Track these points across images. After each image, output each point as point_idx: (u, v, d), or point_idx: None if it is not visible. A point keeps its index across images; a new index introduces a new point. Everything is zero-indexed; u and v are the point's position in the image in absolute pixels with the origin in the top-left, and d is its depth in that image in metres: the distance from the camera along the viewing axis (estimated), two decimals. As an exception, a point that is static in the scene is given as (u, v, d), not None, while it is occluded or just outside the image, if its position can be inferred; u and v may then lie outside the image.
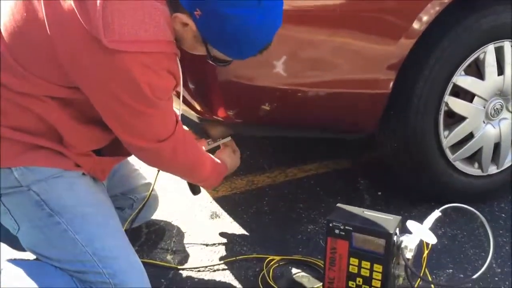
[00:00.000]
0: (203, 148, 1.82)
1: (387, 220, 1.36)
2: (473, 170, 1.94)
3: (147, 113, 1.25)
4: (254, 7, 1.16)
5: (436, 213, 1.33)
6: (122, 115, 1.25)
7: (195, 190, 1.78)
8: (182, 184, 1.85)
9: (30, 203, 1.31)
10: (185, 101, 1.73)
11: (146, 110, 1.24)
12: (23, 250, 1.57)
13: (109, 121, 1.29)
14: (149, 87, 1.20)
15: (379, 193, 2.08)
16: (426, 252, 1.34)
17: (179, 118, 1.41)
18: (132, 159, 1.77)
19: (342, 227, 1.35)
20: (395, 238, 1.32)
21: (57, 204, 1.31)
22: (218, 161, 1.65)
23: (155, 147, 1.34)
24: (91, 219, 1.34)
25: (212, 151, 1.71)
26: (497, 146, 1.93)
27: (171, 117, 1.35)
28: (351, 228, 1.35)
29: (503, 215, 1.92)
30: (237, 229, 1.88)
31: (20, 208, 1.32)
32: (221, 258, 1.72)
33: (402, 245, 1.31)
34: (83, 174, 1.39)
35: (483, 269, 1.25)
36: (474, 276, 1.26)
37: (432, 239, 1.28)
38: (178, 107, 1.45)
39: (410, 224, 1.32)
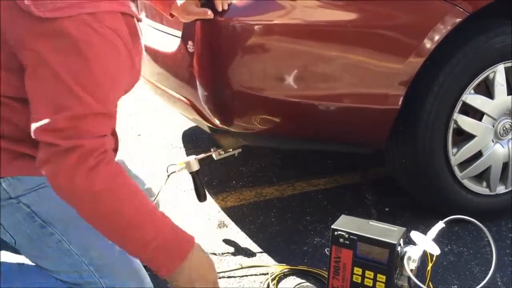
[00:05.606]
0: (214, 157, 1.86)
1: (392, 230, 1.37)
2: (481, 189, 1.94)
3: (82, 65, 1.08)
4: None
5: (440, 224, 1.34)
6: (51, 90, 1.08)
7: (201, 195, 1.80)
8: (190, 193, 1.88)
9: (21, 216, 1.25)
10: (197, 111, 1.77)
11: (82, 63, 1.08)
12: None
13: (34, 100, 1.11)
14: (88, 46, 1.07)
15: (387, 208, 2.08)
16: (430, 264, 1.35)
17: (118, 135, 1.30)
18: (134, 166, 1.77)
19: (346, 236, 1.37)
20: (399, 248, 1.33)
21: (48, 214, 1.25)
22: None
23: (67, 144, 1.08)
24: (84, 227, 1.17)
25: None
26: (505, 166, 1.93)
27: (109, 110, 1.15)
28: (355, 237, 1.36)
29: (511, 234, 1.91)
30: (244, 239, 1.90)
31: (13, 221, 1.25)
32: (226, 266, 1.73)
33: (406, 256, 1.32)
34: None
35: (487, 278, 1.25)
36: (478, 287, 1.26)
37: (435, 250, 1.28)
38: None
39: (414, 234, 1.33)
